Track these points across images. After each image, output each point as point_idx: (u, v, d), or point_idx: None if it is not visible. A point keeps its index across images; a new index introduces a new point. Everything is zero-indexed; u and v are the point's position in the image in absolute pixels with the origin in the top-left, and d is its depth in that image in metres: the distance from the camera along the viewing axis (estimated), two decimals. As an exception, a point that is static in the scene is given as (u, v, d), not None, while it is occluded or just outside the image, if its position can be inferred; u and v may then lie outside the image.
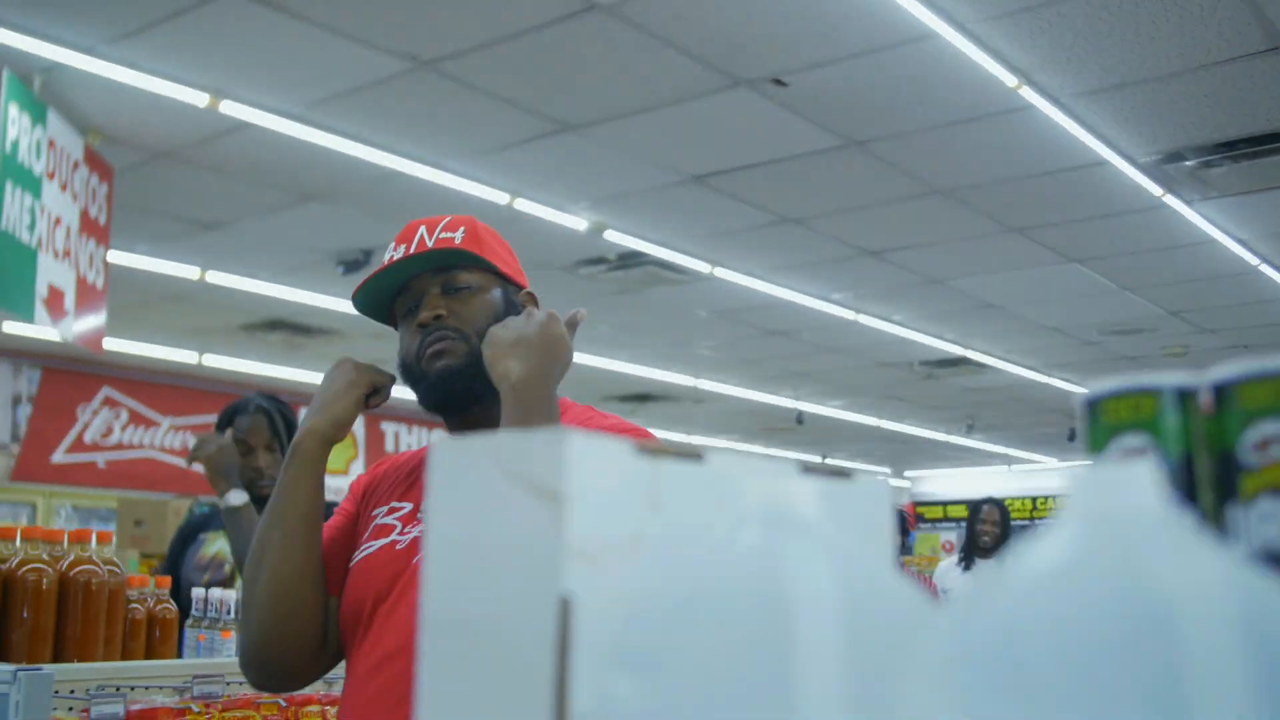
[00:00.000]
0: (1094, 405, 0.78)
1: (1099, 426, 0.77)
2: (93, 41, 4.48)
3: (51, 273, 4.82)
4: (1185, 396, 0.76)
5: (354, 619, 1.63)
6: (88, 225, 5.20)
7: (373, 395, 1.72)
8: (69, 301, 5.02)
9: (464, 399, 1.64)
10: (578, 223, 6.60)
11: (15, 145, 4.47)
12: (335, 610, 1.68)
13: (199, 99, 4.89)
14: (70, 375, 9.86)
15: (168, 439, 10.34)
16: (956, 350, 10.01)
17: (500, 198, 6.16)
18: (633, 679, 0.63)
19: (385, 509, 1.69)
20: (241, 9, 4.23)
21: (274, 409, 3.37)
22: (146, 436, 10.16)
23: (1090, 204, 6.31)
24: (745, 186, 6.09)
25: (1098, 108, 5.13)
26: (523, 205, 6.29)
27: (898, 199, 6.24)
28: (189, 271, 7.57)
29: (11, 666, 2.06)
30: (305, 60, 4.65)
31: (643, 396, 12.21)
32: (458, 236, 1.70)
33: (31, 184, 4.63)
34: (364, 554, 1.67)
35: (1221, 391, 0.73)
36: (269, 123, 5.16)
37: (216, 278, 7.70)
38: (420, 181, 5.90)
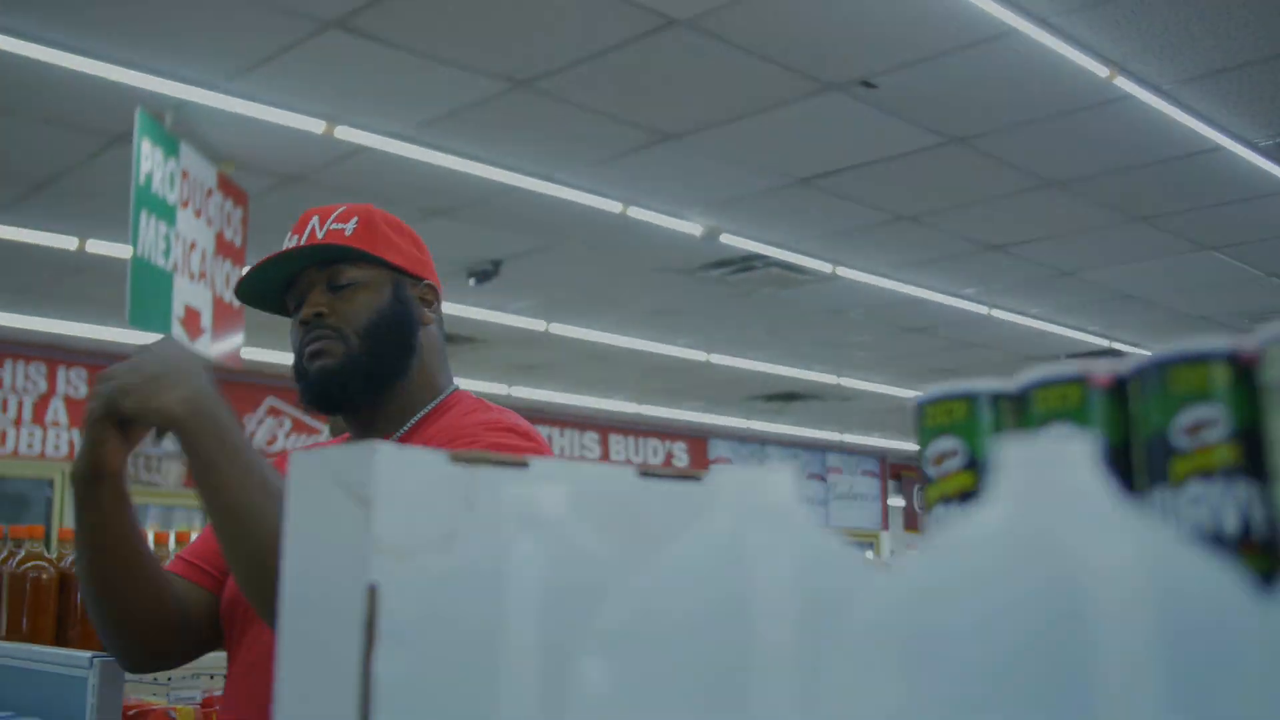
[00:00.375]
0: (920, 409, 0.88)
1: (922, 430, 0.86)
2: (213, 77, 4.81)
3: (187, 294, 5.19)
4: (1000, 400, 0.85)
5: (231, 617, 1.61)
6: (223, 247, 5.56)
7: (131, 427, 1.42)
8: (205, 320, 5.38)
9: (339, 400, 1.59)
10: (693, 228, 6.72)
11: (149, 178, 4.84)
12: (209, 603, 1.64)
13: (315, 126, 5.20)
14: (236, 386, 10.35)
15: (329, 446, 10.76)
16: (1102, 342, 9.77)
17: (613, 206, 6.33)
18: (407, 656, 0.78)
19: None
20: (344, 42, 4.49)
21: None
22: (309, 444, 10.57)
23: (1213, 190, 6.13)
24: (853, 186, 6.11)
25: (1202, 93, 5.01)
26: (636, 213, 6.44)
27: (1009, 193, 6.17)
28: (333, 287, 7.94)
29: (88, 653, 2.29)
30: (407, 86, 4.89)
31: (789, 395, 12.23)
32: (349, 228, 1.62)
33: (165, 212, 4.99)
34: None
35: (1022, 397, 0.83)
36: (382, 145, 5.43)
37: (359, 292, 8.05)
38: (536, 194, 6.11)
